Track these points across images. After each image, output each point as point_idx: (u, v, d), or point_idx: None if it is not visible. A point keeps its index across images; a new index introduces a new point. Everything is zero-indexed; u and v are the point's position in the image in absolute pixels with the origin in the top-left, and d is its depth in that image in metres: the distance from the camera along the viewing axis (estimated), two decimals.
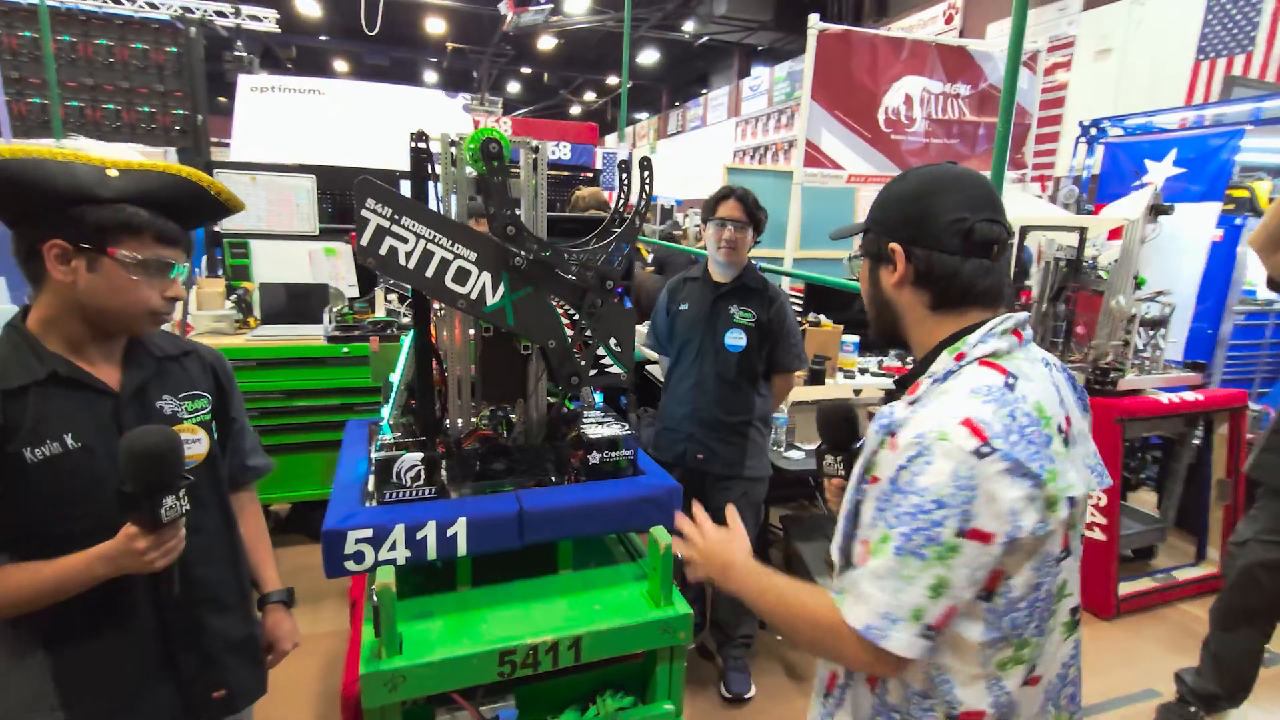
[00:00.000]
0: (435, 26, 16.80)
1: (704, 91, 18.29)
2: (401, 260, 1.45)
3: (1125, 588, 2.78)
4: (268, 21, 9.46)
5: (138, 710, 1.16)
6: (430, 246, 1.47)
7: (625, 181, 1.67)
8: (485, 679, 1.37)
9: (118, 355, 1.15)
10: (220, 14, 9.10)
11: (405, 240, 1.45)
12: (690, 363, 2.30)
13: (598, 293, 1.59)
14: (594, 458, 1.66)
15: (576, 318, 1.60)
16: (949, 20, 11.05)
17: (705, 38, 15.48)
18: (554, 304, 1.59)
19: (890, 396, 0.99)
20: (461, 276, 1.50)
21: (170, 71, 8.20)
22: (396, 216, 1.43)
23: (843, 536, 0.93)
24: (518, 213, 1.52)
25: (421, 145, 1.56)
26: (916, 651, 0.81)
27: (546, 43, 16.18)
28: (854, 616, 0.83)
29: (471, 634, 1.42)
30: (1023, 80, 3.99)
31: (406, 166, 1.55)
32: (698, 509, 1.16)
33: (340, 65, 20.89)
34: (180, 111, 8.53)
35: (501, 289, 1.53)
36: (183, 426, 1.19)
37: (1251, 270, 4.39)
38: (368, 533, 1.40)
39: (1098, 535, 2.76)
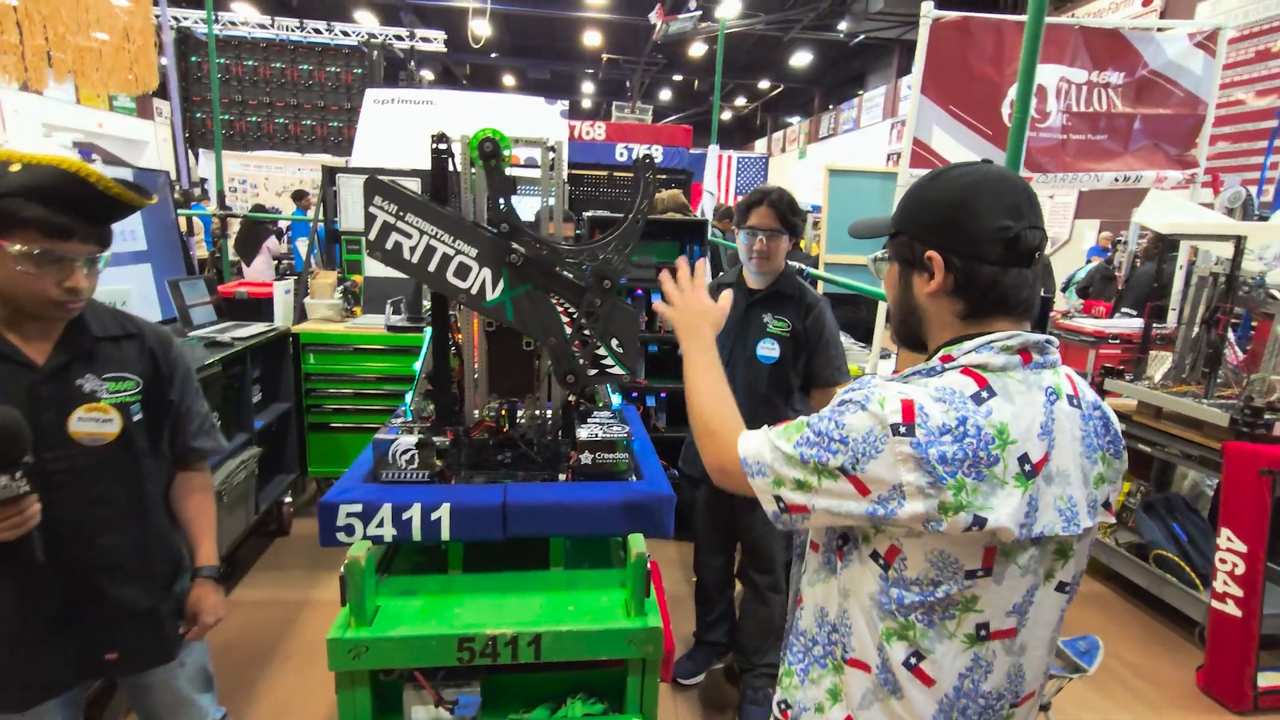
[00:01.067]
0: (592, 39, 17.60)
1: (860, 92, 17.46)
2: (406, 255, 1.54)
3: (1271, 678, 2.24)
4: (436, 43, 10.50)
5: (29, 661, 1.23)
6: (433, 242, 1.54)
7: (638, 182, 1.63)
8: (444, 661, 1.41)
9: (55, 332, 1.23)
10: (398, 37, 10.25)
11: (410, 236, 1.53)
12: None
13: (596, 292, 1.58)
14: (585, 458, 1.66)
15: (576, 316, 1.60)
16: (1147, 2, 9.61)
17: (861, 36, 14.76)
18: (555, 302, 1.60)
19: None
20: (462, 271, 1.55)
21: (356, 90, 9.35)
22: (402, 213, 1.52)
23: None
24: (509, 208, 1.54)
25: (442, 146, 1.64)
26: (767, 503, 0.95)
27: (697, 49, 16.31)
28: (743, 446, 0.98)
29: (443, 616, 1.46)
30: (1196, 64, 3.39)
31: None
32: (682, 266, 1.29)
33: (508, 79, 22.58)
34: None
35: (501, 285, 1.57)
36: (96, 405, 1.25)
37: None
38: (357, 508, 1.50)
39: (1231, 609, 2.25)
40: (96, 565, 1.28)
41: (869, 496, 0.84)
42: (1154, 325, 3.02)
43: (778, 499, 0.93)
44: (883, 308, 3.62)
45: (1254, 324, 3.10)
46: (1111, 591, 3.07)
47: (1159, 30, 3.45)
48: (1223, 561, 2.27)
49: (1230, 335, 2.78)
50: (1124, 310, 4.33)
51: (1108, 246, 7.85)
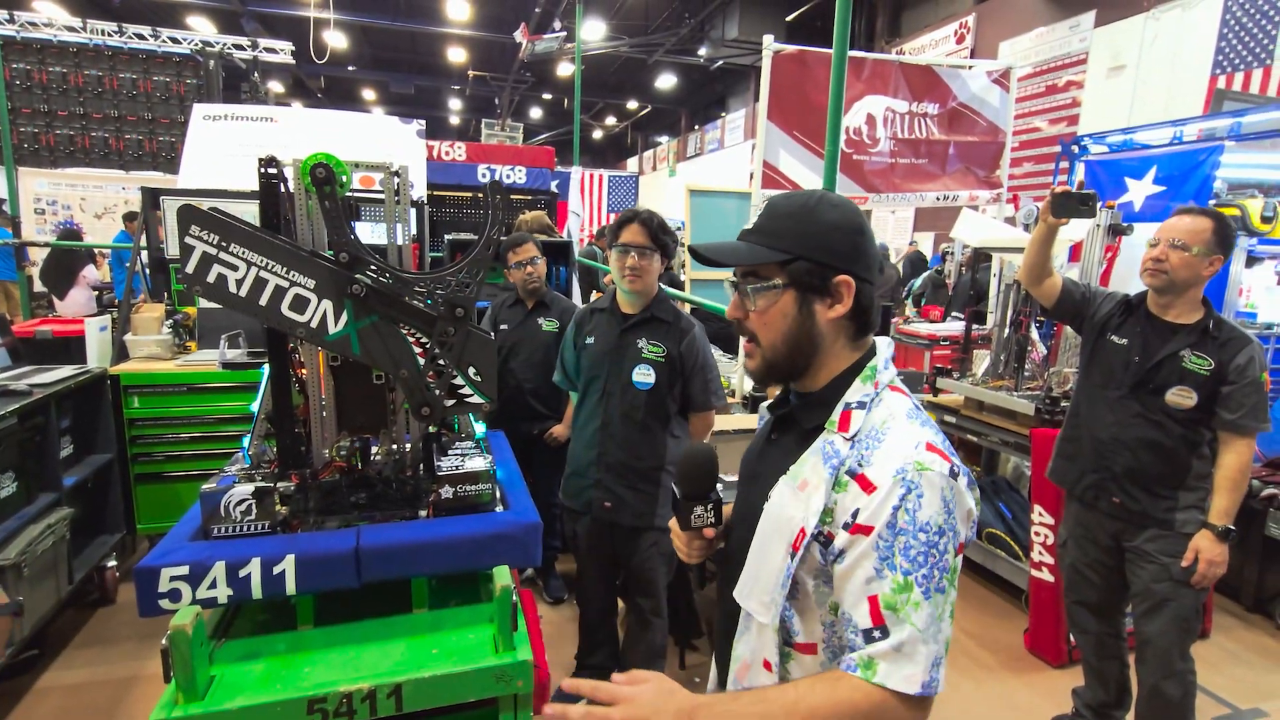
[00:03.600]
0: (457, 56, 17.26)
1: (722, 114, 18.37)
2: (232, 288, 1.42)
3: None
4: (283, 54, 9.82)
5: None
6: (263, 274, 1.43)
7: (489, 208, 1.61)
8: None
9: None
10: (239, 46, 9.48)
11: (235, 268, 1.42)
12: (596, 402, 2.15)
13: (449, 320, 1.53)
14: (447, 492, 1.60)
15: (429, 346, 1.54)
16: (960, 40, 10.92)
17: (719, 61, 15.56)
18: (405, 332, 1.54)
19: (786, 424, 0.98)
20: (299, 304, 1.46)
21: (191, 102, 8.51)
22: (224, 243, 1.41)
23: (776, 587, 0.86)
24: (355, 237, 1.47)
25: (272, 170, 1.53)
26: (943, 681, 0.79)
27: (565, 69, 16.45)
28: (905, 680, 0.76)
29: (290, 678, 1.35)
30: (994, 98, 3.87)
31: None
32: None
33: (369, 94, 21.60)
34: None
35: (345, 317, 1.49)
36: None
37: (1254, 291, 4.14)
38: (183, 570, 1.35)
39: (1046, 576, 2.57)
40: None
41: (963, 547, 0.82)
42: (974, 327, 3.40)
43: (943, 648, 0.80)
44: None
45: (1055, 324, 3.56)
46: None
47: (963, 68, 3.91)
48: (1037, 534, 2.58)
49: (1035, 334, 3.19)
50: (954, 315, 4.85)
51: (913, 251, 8.70)
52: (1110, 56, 8.56)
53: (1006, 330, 3.09)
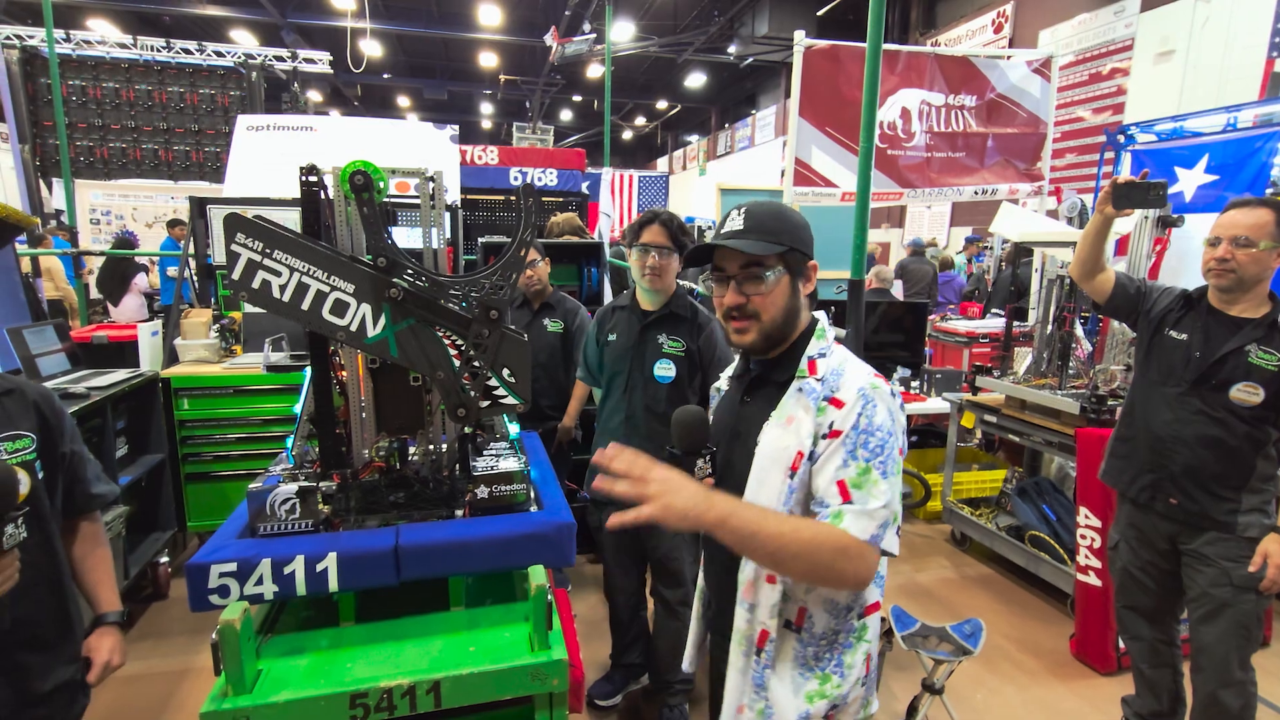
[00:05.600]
0: (488, 60, 17.47)
1: (752, 112, 18.24)
2: (276, 293, 1.46)
3: None
4: (321, 64, 10.07)
5: None
6: (305, 279, 1.47)
7: (520, 209, 1.63)
8: None
9: None
10: (279, 58, 9.75)
11: (279, 274, 1.46)
12: (620, 396, 2.21)
13: (484, 323, 1.56)
14: (482, 492, 1.62)
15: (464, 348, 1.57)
16: (998, 29, 10.64)
17: (749, 59, 15.45)
18: (441, 335, 1.57)
19: (757, 385, 1.22)
20: (339, 308, 1.49)
21: (235, 113, 8.77)
22: (269, 250, 1.45)
23: (779, 506, 1.09)
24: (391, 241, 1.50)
25: (313, 178, 1.58)
26: (897, 546, 1.04)
27: (595, 70, 16.53)
28: (861, 530, 1.01)
29: (333, 674, 1.38)
30: (1035, 88, 3.76)
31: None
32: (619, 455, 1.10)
33: (403, 101, 22.02)
34: None
35: (382, 320, 1.52)
36: None
37: None
38: (231, 567, 1.40)
39: (1093, 580, 2.49)
40: (15, 638, 1.21)
41: (902, 450, 1.09)
42: (1015, 324, 3.31)
43: (898, 528, 1.06)
44: None
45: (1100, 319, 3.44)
46: (995, 573, 3.31)
47: (1002, 58, 3.81)
48: (1083, 537, 2.50)
49: (1079, 330, 3.09)
50: (994, 311, 4.73)
51: (976, 254, 8.49)
52: (1158, 41, 8.24)
53: (1049, 327, 3.00)
